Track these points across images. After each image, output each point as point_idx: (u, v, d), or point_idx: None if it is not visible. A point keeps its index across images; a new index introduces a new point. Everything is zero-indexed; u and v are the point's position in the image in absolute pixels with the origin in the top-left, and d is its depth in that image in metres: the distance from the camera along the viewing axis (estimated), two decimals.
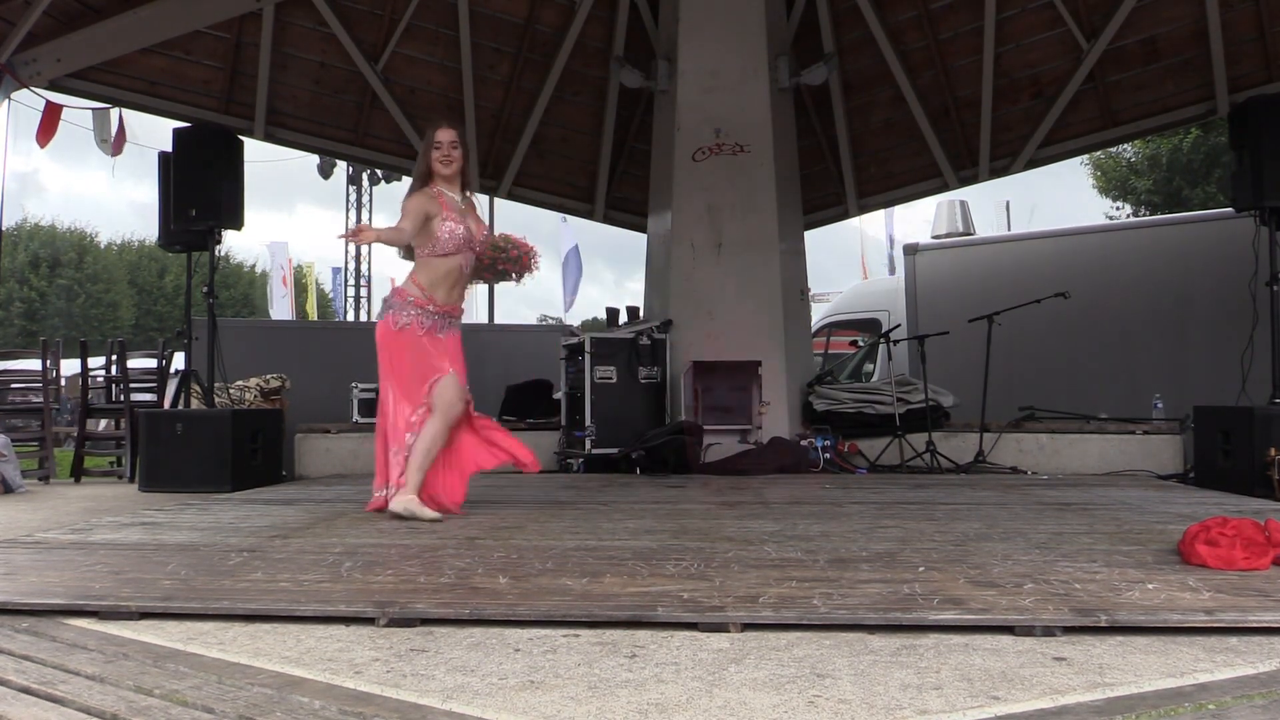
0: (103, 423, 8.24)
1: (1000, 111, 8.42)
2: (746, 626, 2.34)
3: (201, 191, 6.55)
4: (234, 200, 6.75)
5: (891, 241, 21.46)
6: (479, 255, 4.54)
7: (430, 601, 2.55)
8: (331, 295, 25.23)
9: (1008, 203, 19.49)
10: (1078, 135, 8.37)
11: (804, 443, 6.85)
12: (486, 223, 4.75)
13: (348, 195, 20.21)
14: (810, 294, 8.65)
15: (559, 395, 7.42)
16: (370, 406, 7.29)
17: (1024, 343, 7.77)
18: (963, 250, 10.29)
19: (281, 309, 22.85)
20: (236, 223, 6.79)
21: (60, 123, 7.38)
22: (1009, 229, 17.23)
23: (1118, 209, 21.90)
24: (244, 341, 8.36)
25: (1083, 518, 4.12)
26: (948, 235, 12.98)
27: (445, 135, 4.52)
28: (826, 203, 9.59)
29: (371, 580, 2.81)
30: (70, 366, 8.95)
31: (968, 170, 8.77)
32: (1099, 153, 19.22)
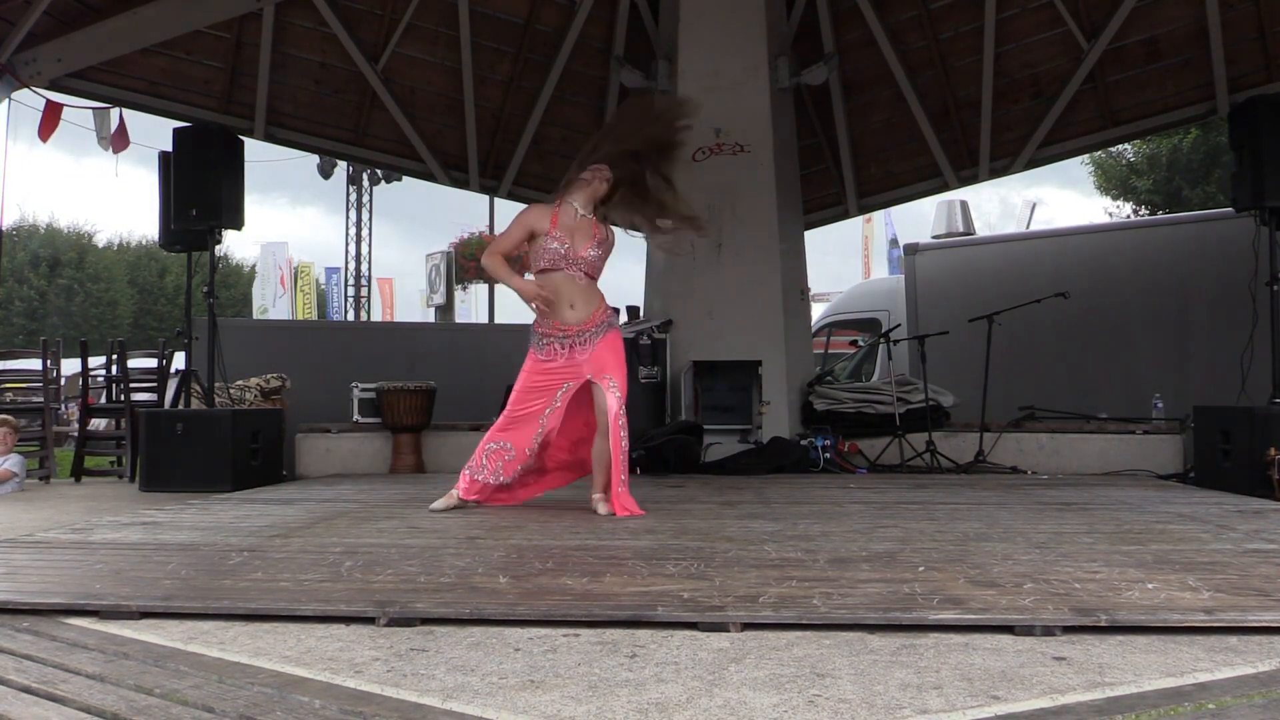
0: (103, 422, 8.24)
1: (1000, 111, 8.41)
2: (746, 626, 2.34)
3: (201, 191, 6.54)
4: (234, 200, 6.74)
5: (896, 240, 21.52)
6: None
7: (430, 601, 2.55)
8: (327, 294, 25.22)
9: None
10: (1078, 135, 8.37)
11: (804, 442, 6.84)
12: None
13: (348, 195, 20.24)
14: (810, 294, 8.65)
15: None
16: (369, 406, 7.31)
17: (1024, 343, 7.76)
18: (963, 250, 10.29)
19: (280, 309, 22.86)
20: (236, 223, 6.79)
21: (71, 124, 7.38)
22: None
23: (1118, 207, 21.93)
24: (244, 341, 8.35)
25: (1083, 518, 4.12)
26: (948, 235, 12.98)
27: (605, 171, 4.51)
28: (826, 203, 9.58)
29: (372, 580, 2.81)
30: (70, 366, 8.96)
31: (968, 170, 8.77)
32: (1099, 152, 19.23)
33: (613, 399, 4.33)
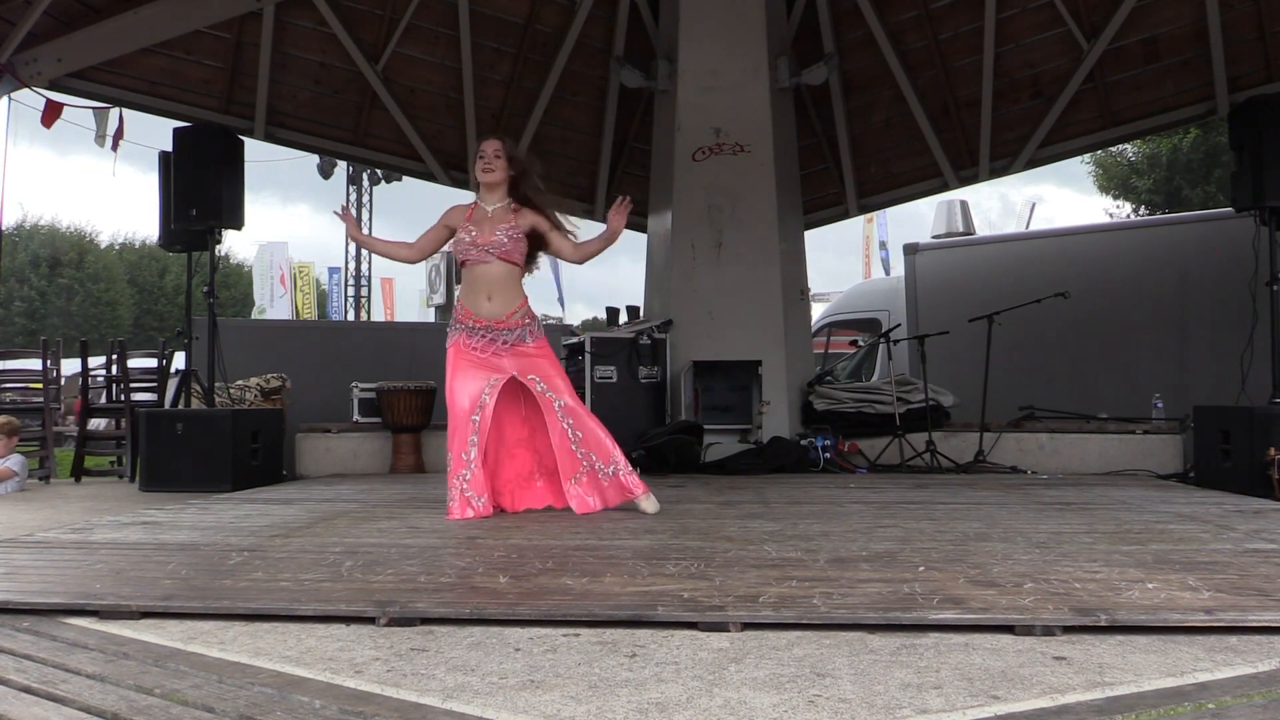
0: (103, 422, 8.24)
1: (1000, 111, 8.41)
2: (746, 626, 2.34)
3: (201, 191, 6.54)
4: (234, 200, 6.74)
5: (883, 245, 21.57)
6: (507, 257, 4.42)
7: (431, 601, 2.55)
8: (328, 294, 25.22)
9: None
10: (1078, 135, 8.36)
11: (804, 442, 6.84)
12: (564, 226, 4.60)
13: (348, 195, 20.23)
14: (810, 294, 8.65)
15: None
16: (369, 406, 7.32)
17: (1024, 343, 7.76)
18: (963, 250, 10.29)
19: (281, 309, 22.87)
20: (236, 222, 6.79)
21: (60, 120, 7.36)
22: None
23: (1118, 207, 21.94)
24: (244, 341, 8.35)
25: (1083, 517, 4.12)
26: (948, 235, 12.98)
27: (489, 145, 4.53)
28: (826, 203, 9.58)
29: (372, 579, 2.81)
30: (70, 366, 8.96)
31: (968, 170, 8.77)
32: (1099, 151, 19.24)
33: (543, 398, 4.36)
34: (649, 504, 4.37)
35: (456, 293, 4.64)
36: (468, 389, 4.37)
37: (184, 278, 7.71)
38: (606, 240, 4.59)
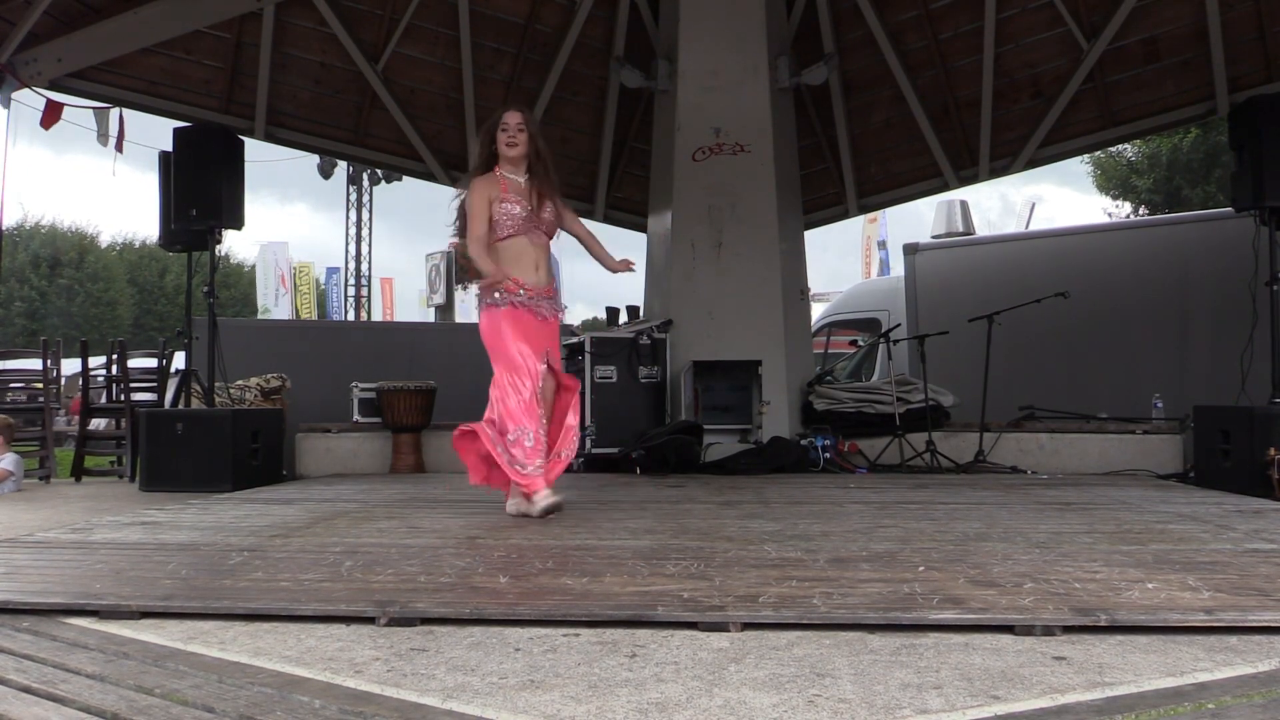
0: (103, 422, 8.24)
1: (1000, 111, 8.42)
2: (746, 626, 2.34)
3: (201, 191, 6.54)
4: (234, 200, 6.74)
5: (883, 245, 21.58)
6: (551, 234, 4.48)
7: (431, 601, 2.55)
8: (327, 294, 25.22)
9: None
10: (1078, 135, 8.37)
11: (804, 442, 6.84)
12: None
13: (348, 195, 20.23)
14: (810, 294, 8.65)
15: None
16: (369, 406, 7.32)
17: (1024, 342, 7.76)
18: (963, 250, 10.29)
19: (283, 309, 22.88)
20: (237, 222, 6.79)
21: (61, 120, 7.35)
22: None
23: (1118, 207, 21.94)
24: (244, 341, 8.35)
25: (1083, 517, 4.12)
26: (948, 235, 12.98)
27: (512, 118, 4.40)
28: (826, 203, 9.59)
29: (372, 579, 2.81)
30: (70, 366, 8.97)
31: (968, 170, 8.77)
32: (1099, 151, 19.23)
33: (561, 373, 4.42)
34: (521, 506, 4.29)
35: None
36: (533, 360, 4.31)
37: (184, 278, 7.71)
38: (604, 259, 4.67)
